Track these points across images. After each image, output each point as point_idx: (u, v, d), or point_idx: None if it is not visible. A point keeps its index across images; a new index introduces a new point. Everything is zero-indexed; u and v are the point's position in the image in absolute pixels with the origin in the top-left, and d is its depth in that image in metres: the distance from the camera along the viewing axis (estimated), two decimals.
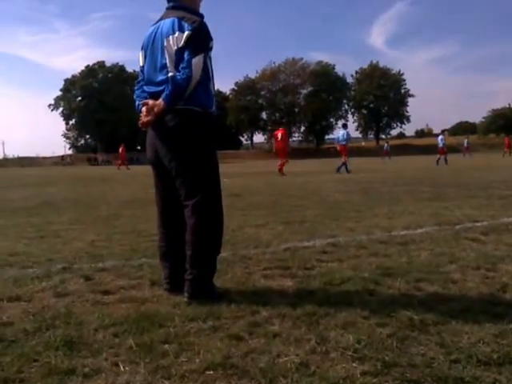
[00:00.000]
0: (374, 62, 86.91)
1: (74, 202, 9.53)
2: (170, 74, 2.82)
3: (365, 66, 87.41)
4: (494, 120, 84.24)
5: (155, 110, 2.85)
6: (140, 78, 3.15)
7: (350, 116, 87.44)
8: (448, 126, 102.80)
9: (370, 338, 2.19)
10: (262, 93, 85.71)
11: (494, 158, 32.53)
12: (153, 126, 2.96)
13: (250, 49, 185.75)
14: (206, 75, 2.89)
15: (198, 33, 2.82)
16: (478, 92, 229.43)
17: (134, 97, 3.14)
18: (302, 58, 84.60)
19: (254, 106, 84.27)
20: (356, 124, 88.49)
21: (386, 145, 45.98)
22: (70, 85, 78.59)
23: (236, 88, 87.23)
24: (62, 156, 73.87)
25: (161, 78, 2.92)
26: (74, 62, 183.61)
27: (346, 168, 18.71)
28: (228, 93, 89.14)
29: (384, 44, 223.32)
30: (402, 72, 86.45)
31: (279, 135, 19.36)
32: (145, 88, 3.06)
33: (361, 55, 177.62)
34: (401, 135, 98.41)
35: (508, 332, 2.23)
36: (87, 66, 79.29)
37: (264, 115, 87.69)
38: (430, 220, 5.66)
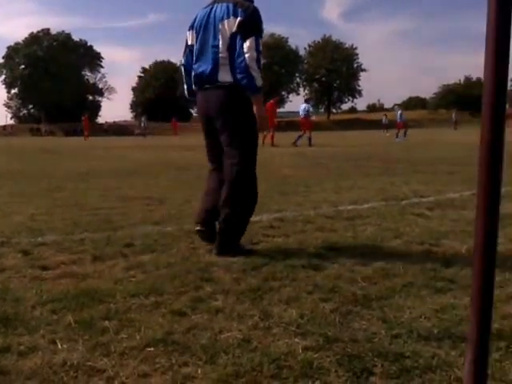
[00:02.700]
0: (328, 35, 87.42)
1: (14, 175, 9.18)
2: (237, 66, 3.08)
3: (318, 39, 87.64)
4: (444, 96, 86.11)
5: (257, 107, 3.20)
6: (188, 57, 3.46)
7: (301, 89, 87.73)
8: (399, 101, 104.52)
9: (313, 312, 2.18)
10: None
11: (444, 134, 33.31)
12: (209, 98, 3.29)
13: None
14: (258, 54, 3.08)
15: (249, 19, 3.09)
16: (430, 68, 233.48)
17: (189, 88, 3.54)
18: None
19: None
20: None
21: (384, 118, 42.41)
22: (13, 52, 75.35)
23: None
24: (4, 126, 70.73)
25: (210, 56, 3.21)
26: (17, 29, 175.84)
27: (310, 141, 18.81)
28: (178, 64, 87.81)
29: (339, 17, 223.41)
30: (354, 46, 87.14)
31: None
32: (194, 66, 3.34)
33: (315, 28, 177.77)
34: (352, 109, 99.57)
35: (449, 307, 2.26)
36: (31, 34, 76.24)
37: None
38: (377, 195, 5.73)
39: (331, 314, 2.18)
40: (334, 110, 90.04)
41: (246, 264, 2.93)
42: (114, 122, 76.42)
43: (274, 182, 7.24)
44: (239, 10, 3.09)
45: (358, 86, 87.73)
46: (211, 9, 3.24)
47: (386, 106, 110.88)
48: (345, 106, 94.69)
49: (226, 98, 3.20)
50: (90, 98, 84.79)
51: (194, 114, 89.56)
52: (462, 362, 1.65)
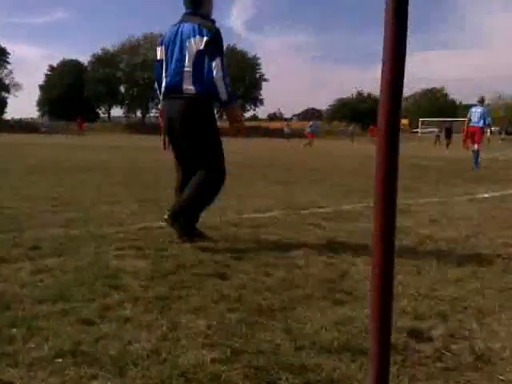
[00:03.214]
0: (232, 44, 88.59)
1: None
2: (207, 81, 3.58)
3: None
4: (339, 108, 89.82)
5: (229, 113, 3.75)
6: (158, 70, 3.87)
7: None
8: (298, 112, 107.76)
9: (220, 323, 2.24)
10: (121, 66, 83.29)
11: (342, 145, 34.68)
12: (172, 107, 3.74)
13: (108, 21, 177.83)
14: (224, 72, 3.57)
15: (214, 38, 3.58)
16: (326, 81, 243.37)
17: (155, 86, 3.96)
18: (161, 34, 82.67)
19: (112, 79, 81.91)
20: None
21: (286, 128, 43.51)
22: None
23: (93, 60, 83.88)
24: None
25: (176, 69, 3.67)
26: None
27: None
28: (86, 64, 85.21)
29: (243, 27, 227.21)
30: (258, 56, 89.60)
31: None
32: (164, 79, 3.78)
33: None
34: (254, 117, 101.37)
35: (347, 319, 2.39)
36: None
37: (122, 89, 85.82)
38: (278, 204, 5.90)
39: (237, 324, 2.25)
40: None
41: (154, 271, 2.94)
42: (21, 119, 73.57)
43: None
44: (204, 29, 3.57)
45: (260, 95, 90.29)
46: (178, 27, 3.70)
47: (285, 116, 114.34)
48: (247, 114, 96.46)
49: (188, 106, 3.64)
50: None
51: (102, 115, 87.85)
52: (362, 375, 1.79)
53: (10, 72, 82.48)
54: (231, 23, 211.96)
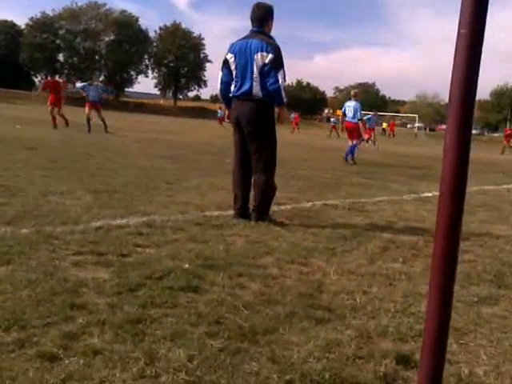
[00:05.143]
0: (178, 21, 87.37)
1: None
2: (272, 89, 4.54)
3: (168, 23, 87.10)
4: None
5: (282, 112, 4.82)
6: (225, 71, 4.79)
7: (149, 72, 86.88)
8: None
9: (202, 353, 1.99)
10: (61, 33, 79.62)
11: (285, 134, 34.68)
12: (242, 107, 4.69)
13: None
14: (285, 81, 4.63)
15: (278, 55, 4.53)
16: None
17: (222, 92, 4.91)
18: (105, 4, 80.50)
19: (51, 46, 77.83)
20: (156, 81, 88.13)
21: (219, 111, 39.92)
22: None
23: (31, 23, 79.13)
24: None
25: (247, 77, 4.59)
26: None
27: None
28: (23, 27, 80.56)
29: (188, 5, 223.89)
30: (202, 36, 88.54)
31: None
32: (234, 82, 4.71)
33: (165, 12, 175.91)
34: (196, 98, 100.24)
35: (334, 343, 2.21)
36: None
37: (61, 57, 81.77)
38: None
39: (220, 353, 2.01)
40: (180, 97, 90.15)
41: (120, 285, 2.61)
42: None
43: (133, 174, 6.87)
44: (269, 47, 4.53)
45: (204, 76, 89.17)
46: (247, 42, 4.62)
47: None
48: (190, 94, 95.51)
49: (256, 108, 4.62)
50: None
51: (37, 82, 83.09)
52: None
53: None
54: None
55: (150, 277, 2.79)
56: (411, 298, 2.93)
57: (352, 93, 13.46)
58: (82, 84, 18.59)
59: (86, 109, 16.36)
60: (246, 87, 4.61)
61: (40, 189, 5.07)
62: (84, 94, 16.96)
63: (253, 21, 4.74)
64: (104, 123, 16.29)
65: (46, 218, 3.83)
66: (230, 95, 4.81)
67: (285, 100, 4.64)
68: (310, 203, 5.89)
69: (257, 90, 4.58)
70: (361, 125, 13.03)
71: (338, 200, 6.30)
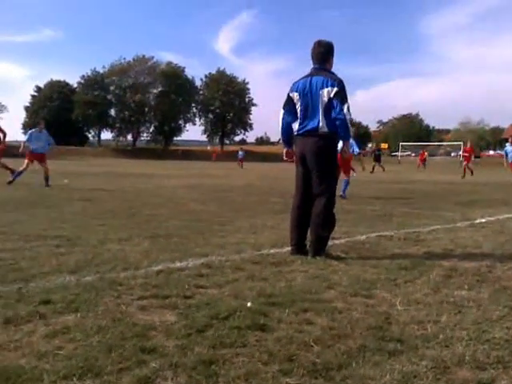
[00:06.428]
0: (221, 68, 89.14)
1: None
2: (339, 122, 4.55)
3: (213, 71, 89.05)
4: None
5: (346, 147, 4.90)
6: (289, 110, 4.82)
7: (197, 119, 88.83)
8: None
9: None
10: (111, 89, 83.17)
11: None
12: (308, 143, 4.71)
13: (98, 41, 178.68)
14: (351, 114, 4.61)
15: (342, 88, 4.58)
16: None
17: (284, 130, 4.92)
18: (152, 57, 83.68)
19: (103, 102, 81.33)
20: (203, 128, 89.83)
21: (240, 152, 42.42)
22: None
23: (83, 81, 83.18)
24: None
25: (313, 114, 4.65)
26: None
27: None
28: (75, 85, 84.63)
29: (230, 51, 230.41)
30: (246, 81, 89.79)
31: None
32: (300, 121, 4.75)
33: (208, 60, 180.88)
34: (242, 141, 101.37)
35: (410, 376, 2.13)
36: None
37: (113, 112, 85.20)
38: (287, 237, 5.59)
39: None
40: (227, 142, 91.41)
41: (188, 326, 2.59)
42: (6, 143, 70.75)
43: (187, 219, 6.95)
44: (333, 81, 4.56)
45: (249, 119, 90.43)
46: (311, 79, 4.67)
47: (271, 140, 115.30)
48: (237, 138, 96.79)
49: (322, 142, 4.65)
50: None
51: (91, 139, 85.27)
52: None
53: None
54: (219, 47, 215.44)
55: (216, 317, 2.77)
56: (483, 324, 2.84)
57: None
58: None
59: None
60: (313, 125, 4.64)
61: (98, 238, 5.18)
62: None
63: (314, 58, 4.79)
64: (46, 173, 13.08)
65: (108, 265, 3.89)
66: (294, 133, 4.84)
67: (350, 135, 4.69)
68: (364, 236, 5.81)
69: (323, 124, 4.59)
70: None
71: (392, 231, 6.19)
